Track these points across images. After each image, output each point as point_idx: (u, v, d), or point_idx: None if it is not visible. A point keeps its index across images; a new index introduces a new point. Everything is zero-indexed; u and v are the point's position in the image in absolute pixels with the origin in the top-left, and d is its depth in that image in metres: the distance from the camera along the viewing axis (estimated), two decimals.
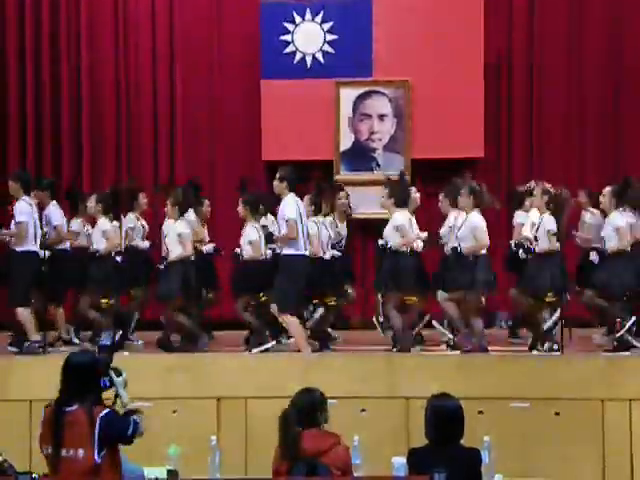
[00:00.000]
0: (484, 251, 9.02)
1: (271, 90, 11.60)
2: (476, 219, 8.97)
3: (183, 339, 9.48)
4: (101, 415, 4.81)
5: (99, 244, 9.55)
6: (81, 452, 4.76)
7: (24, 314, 9.22)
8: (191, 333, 9.35)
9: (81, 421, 4.80)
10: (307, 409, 5.21)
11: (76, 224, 10.29)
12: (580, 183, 11.34)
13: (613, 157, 11.73)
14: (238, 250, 9.56)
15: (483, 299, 9.30)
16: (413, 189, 9.91)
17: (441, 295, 9.18)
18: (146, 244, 10.14)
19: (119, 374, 5.05)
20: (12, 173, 9.99)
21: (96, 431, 4.76)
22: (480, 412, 7.98)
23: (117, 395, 5.07)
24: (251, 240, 9.45)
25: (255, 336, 9.44)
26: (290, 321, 8.94)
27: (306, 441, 5.07)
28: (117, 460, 4.94)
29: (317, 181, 10.23)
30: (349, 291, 10.13)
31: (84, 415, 4.80)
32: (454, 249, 9.08)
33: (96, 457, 4.77)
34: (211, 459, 5.89)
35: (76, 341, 10.00)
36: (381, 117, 11.77)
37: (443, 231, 9.67)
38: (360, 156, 11.76)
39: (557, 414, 8.28)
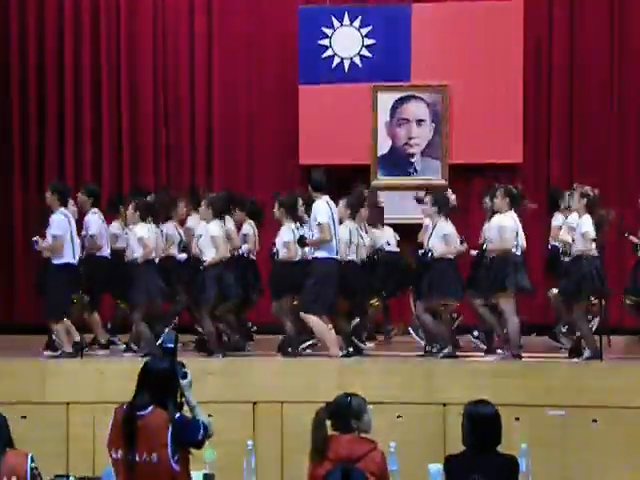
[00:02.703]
0: (518, 252, 8.95)
1: (309, 95, 11.63)
2: (505, 220, 8.93)
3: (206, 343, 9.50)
4: (172, 419, 4.75)
5: (136, 251, 9.48)
6: (155, 457, 4.69)
7: (59, 328, 9.23)
8: (217, 341, 9.34)
9: (156, 425, 4.72)
10: (341, 414, 5.19)
11: (116, 227, 10.35)
12: (620, 187, 11.28)
13: None
14: (274, 249, 9.58)
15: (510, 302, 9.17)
16: (449, 191, 9.89)
17: (478, 301, 9.11)
18: (183, 256, 10.00)
19: (184, 376, 4.94)
20: (49, 184, 9.91)
21: (169, 435, 4.70)
22: (517, 419, 7.91)
23: (183, 397, 4.95)
24: (286, 241, 9.47)
25: (290, 343, 9.45)
26: (314, 322, 8.89)
27: (341, 446, 5.05)
28: (189, 465, 4.89)
29: (354, 186, 10.17)
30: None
31: (160, 419, 4.73)
32: (482, 248, 9.09)
33: (172, 462, 4.71)
34: (247, 463, 5.88)
35: (121, 346, 10.04)
36: (419, 122, 11.74)
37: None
38: (397, 161, 11.74)
39: (595, 421, 8.19)
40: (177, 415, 4.80)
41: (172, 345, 5.06)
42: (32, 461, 5.08)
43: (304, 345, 9.53)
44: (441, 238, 9.12)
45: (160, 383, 4.85)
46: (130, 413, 4.76)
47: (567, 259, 9.01)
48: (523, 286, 8.94)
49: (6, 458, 5.18)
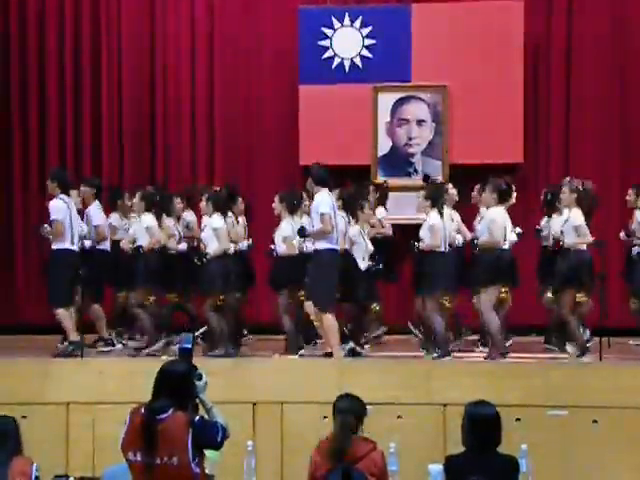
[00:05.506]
0: (506, 246, 8.93)
1: (309, 95, 11.63)
2: (494, 214, 8.91)
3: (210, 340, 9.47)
4: (192, 422, 4.73)
5: (142, 240, 9.48)
6: (176, 460, 4.67)
7: (63, 314, 9.27)
8: (222, 336, 9.31)
9: (176, 429, 4.69)
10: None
11: (114, 219, 10.39)
12: (620, 188, 11.26)
13: None
14: (272, 246, 9.59)
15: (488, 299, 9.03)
16: (449, 185, 9.89)
17: (478, 299, 9.04)
18: (183, 246, 10.03)
19: (200, 378, 4.92)
20: (50, 172, 10.03)
21: (189, 438, 4.68)
22: (517, 419, 7.90)
23: (199, 399, 4.94)
24: (285, 236, 9.49)
25: (288, 342, 9.44)
26: (329, 321, 8.81)
27: None
28: (204, 467, 4.88)
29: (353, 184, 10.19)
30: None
31: (180, 423, 4.70)
32: (472, 243, 9.08)
33: (192, 464, 4.69)
34: (247, 464, 5.87)
35: (119, 346, 10.06)
36: (419, 122, 11.74)
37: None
38: (398, 161, 11.74)
39: (595, 422, 8.19)
40: (197, 417, 4.77)
41: (189, 346, 5.00)
42: (37, 470, 5.14)
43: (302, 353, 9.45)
44: (428, 230, 9.11)
45: (178, 386, 4.81)
46: (150, 417, 4.72)
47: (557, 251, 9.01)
48: (504, 282, 8.93)
49: (14, 464, 5.22)
